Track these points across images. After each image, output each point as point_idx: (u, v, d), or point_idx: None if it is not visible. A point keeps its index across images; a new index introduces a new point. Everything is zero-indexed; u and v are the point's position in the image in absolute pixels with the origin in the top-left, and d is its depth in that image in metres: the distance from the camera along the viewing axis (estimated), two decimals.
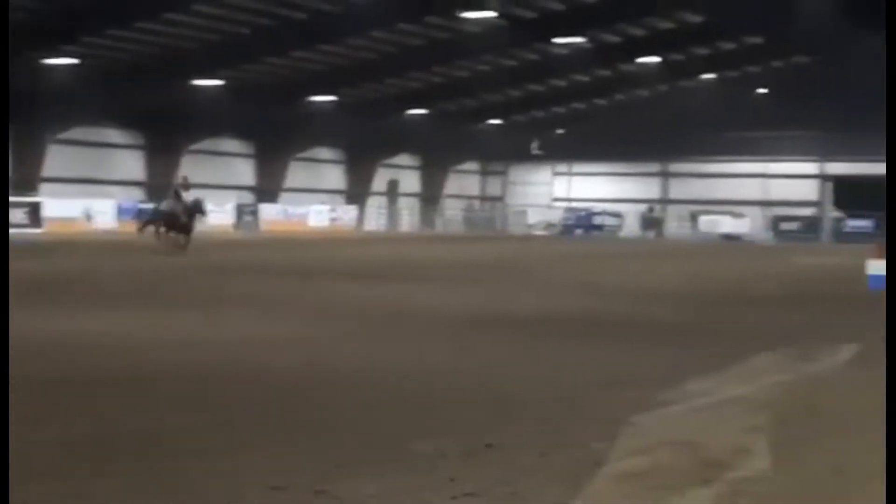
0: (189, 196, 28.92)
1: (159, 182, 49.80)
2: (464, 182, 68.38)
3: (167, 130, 48.48)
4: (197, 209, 28.77)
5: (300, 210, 53.91)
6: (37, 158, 44.31)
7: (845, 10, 37.96)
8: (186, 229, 28.09)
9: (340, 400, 8.10)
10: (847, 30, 40.97)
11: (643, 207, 64.64)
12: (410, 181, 64.68)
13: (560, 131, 65.60)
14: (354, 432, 6.93)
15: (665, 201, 66.08)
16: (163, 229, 28.20)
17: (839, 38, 42.21)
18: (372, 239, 46.51)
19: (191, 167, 50.90)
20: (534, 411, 7.65)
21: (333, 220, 55.51)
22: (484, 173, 70.76)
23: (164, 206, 29.01)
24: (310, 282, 19.93)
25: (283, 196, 55.15)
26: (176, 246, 27.58)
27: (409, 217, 63.49)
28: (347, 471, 5.85)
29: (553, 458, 6.22)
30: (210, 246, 32.00)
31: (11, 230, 38.70)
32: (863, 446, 6.59)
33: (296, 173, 56.22)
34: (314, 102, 50.75)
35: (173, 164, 50.29)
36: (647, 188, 66.39)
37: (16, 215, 41.00)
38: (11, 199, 42.05)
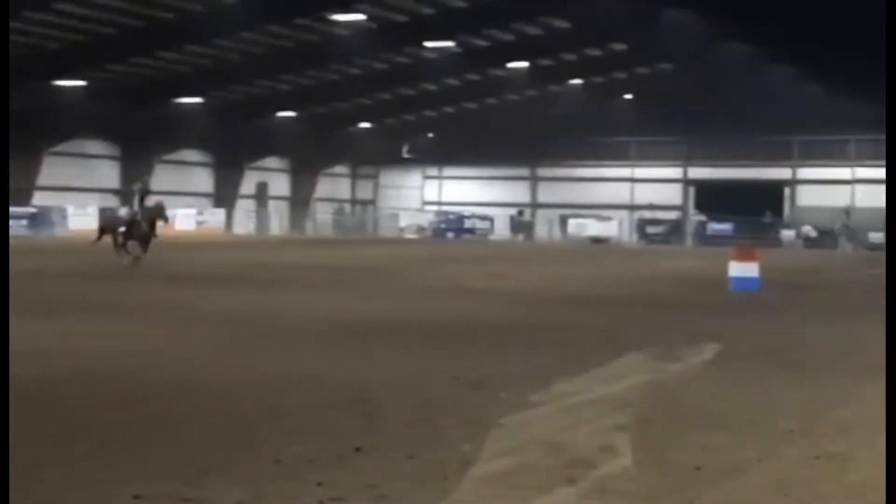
0: (151, 201, 26.93)
1: (18, 185, 48.42)
2: (334, 185, 68.16)
3: (27, 132, 47.02)
4: (158, 214, 26.37)
5: (167, 213, 52.85)
6: None
7: (706, 19, 39.01)
8: (146, 238, 25.68)
9: (206, 407, 7.97)
10: (707, 38, 42.13)
11: (513, 211, 65.39)
12: (280, 184, 64.17)
13: (431, 135, 65.92)
14: (221, 439, 6.83)
15: (534, 205, 66.94)
16: (121, 238, 25.71)
17: (700, 46, 43.36)
18: (240, 243, 45.96)
19: (52, 169, 49.69)
20: (403, 415, 7.65)
21: (201, 223, 54.71)
22: (355, 177, 70.64)
23: (123, 212, 26.62)
24: (173, 287, 19.57)
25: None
26: (133, 255, 25.13)
27: (278, 220, 62.96)
28: (214, 478, 5.76)
29: (422, 461, 6.23)
30: (71, 250, 31.19)
31: None
32: (722, 443, 6.78)
33: (162, 175, 55.16)
34: (181, 104, 49.96)
35: (33, 167, 48.96)
36: (517, 192, 67.17)
37: None
38: None
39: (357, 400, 8.20)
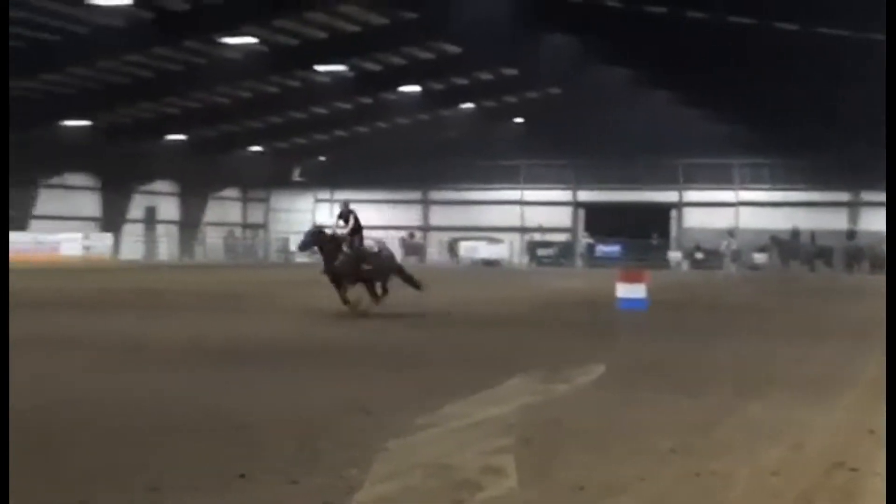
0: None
1: None
2: (224, 209, 67.40)
3: None
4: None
5: (51, 238, 51.68)
6: None
7: (588, 44, 39.72)
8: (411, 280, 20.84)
9: (77, 433, 7.74)
10: (591, 63, 42.88)
11: (404, 233, 65.45)
12: (169, 208, 63.20)
13: (322, 158, 65.70)
14: (96, 466, 6.65)
15: (426, 228, 67.11)
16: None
17: (585, 70, 44.11)
18: (127, 268, 45.10)
19: None
20: (287, 440, 7.55)
21: (87, 248, 53.51)
22: (245, 200, 69.99)
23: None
24: (49, 314, 19.06)
25: (33, 224, 52.78)
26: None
27: (167, 245, 61.95)
28: None
29: (306, 486, 6.17)
30: None
31: None
32: (605, 462, 6.84)
33: (46, 200, 53.97)
34: (66, 127, 48.92)
35: None
36: (409, 215, 67.26)
37: None
38: None
39: (240, 426, 8.07)
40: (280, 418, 8.43)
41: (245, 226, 69.97)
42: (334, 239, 20.14)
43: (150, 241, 61.21)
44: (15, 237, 50.07)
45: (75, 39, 37.14)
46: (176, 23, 36.16)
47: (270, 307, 21.84)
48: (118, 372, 11.32)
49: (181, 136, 55.36)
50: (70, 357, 12.49)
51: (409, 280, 20.75)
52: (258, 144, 61.08)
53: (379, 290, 19.88)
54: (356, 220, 20.30)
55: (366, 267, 19.69)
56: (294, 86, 48.39)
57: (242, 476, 6.34)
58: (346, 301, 19.27)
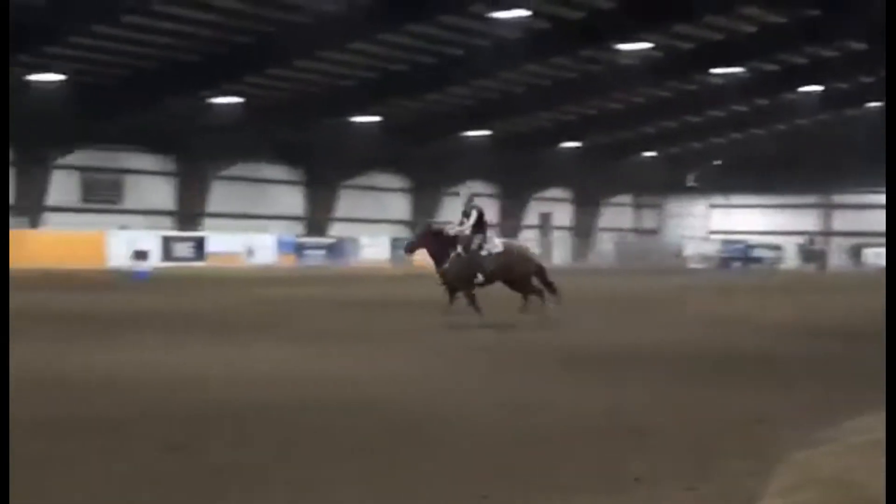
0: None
1: (317, 217, 51.12)
2: (617, 215, 67.91)
3: (323, 166, 49.79)
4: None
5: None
6: (201, 194, 46.00)
7: None
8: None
9: (476, 437, 7.92)
10: None
11: (802, 239, 63.06)
12: (563, 214, 64.53)
13: (717, 162, 64.64)
14: (487, 467, 6.87)
15: (827, 233, 64.30)
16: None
17: None
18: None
19: (347, 201, 52.13)
20: (680, 446, 7.53)
21: None
22: (638, 206, 70.16)
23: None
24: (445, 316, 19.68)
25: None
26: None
27: (561, 250, 63.25)
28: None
29: (703, 493, 6.13)
30: (358, 279, 32.45)
31: (179, 263, 40.54)
32: None
33: (449, 207, 56.78)
34: (468, 137, 51.21)
35: (329, 199, 51.49)
36: (806, 220, 64.74)
37: (182, 249, 42.88)
38: (179, 234, 44.02)
39: (629, 429, 8.12)
40: (673, 424, 8.40)
41: (637, 231, 70.17)
42: (441, 236, 17.39)
43: (545, 246, 62.76)
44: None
45: (479, 53, 38.79)
46: (572, 32, 36.89)
47: (671, 313, 21.71)
48: (517, 374, 11.72)
49: (576, 144, 56.37)
50: (478, 360, 13.04)
51: (549, 286, 17.93)
52: (651, 150, 61.06)
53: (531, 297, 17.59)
54: (480, 216, 17.30)
55: (478, 274, 16.99)
56: (689, 89, 47.96)
57: (637, 479, 6.39)
58: (468, 301, 16.98)
